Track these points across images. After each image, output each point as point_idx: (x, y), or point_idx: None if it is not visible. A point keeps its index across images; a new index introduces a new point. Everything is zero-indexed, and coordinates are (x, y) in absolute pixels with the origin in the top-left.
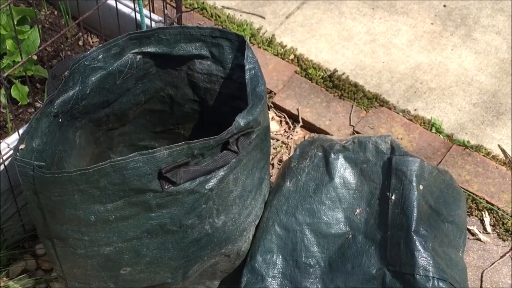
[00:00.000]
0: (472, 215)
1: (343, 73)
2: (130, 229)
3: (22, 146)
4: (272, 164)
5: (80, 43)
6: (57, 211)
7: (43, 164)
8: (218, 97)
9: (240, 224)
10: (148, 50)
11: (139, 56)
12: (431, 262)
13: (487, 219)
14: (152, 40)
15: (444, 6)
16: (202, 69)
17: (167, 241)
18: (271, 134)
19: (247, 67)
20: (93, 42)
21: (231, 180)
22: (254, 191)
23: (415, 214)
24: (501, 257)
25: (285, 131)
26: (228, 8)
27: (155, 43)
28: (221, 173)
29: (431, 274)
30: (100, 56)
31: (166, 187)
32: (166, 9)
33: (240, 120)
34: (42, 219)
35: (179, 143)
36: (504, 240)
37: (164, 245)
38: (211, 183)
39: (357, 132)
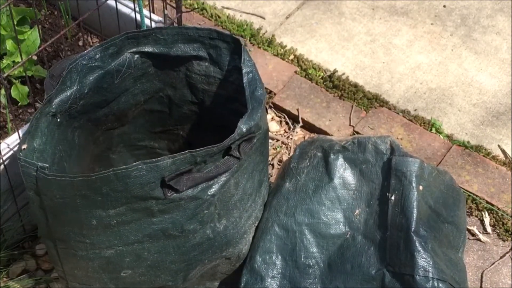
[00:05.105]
0: (472, 215)
1: (343, 73)
2: (131, 233)
3: (24, 146)
4: (272, 165)
5: (80, 43)
6: (59, 212)
7: (47, 165)
8: (216, 98)
9: (241, 227)
10: (146, 49)
11: (136, 56)
12: (430, 263)
13: (487, 220)
14: (150, 40)
15: (444, 6)
16: (200, 70)
17: (169, 245)
18: (271, 135)
19: (244, 70)
20: (93, 42)
21: (232, 184)
22: (254, 193)
23: (415, 215)
24: (501, 257)
25: (285, 132)
26: (228, 8)
27: (153, 43)
28: (223, 178)
29: (430, 275)
30: (97, 56)
31: (168, 194)
32: (166, 9)
33: (242, 126)
34: (44, 220)
35: (183, 152)
36: (504, 240)
37: (165, 249)
38: (213, 189)
39: (357, 133)
